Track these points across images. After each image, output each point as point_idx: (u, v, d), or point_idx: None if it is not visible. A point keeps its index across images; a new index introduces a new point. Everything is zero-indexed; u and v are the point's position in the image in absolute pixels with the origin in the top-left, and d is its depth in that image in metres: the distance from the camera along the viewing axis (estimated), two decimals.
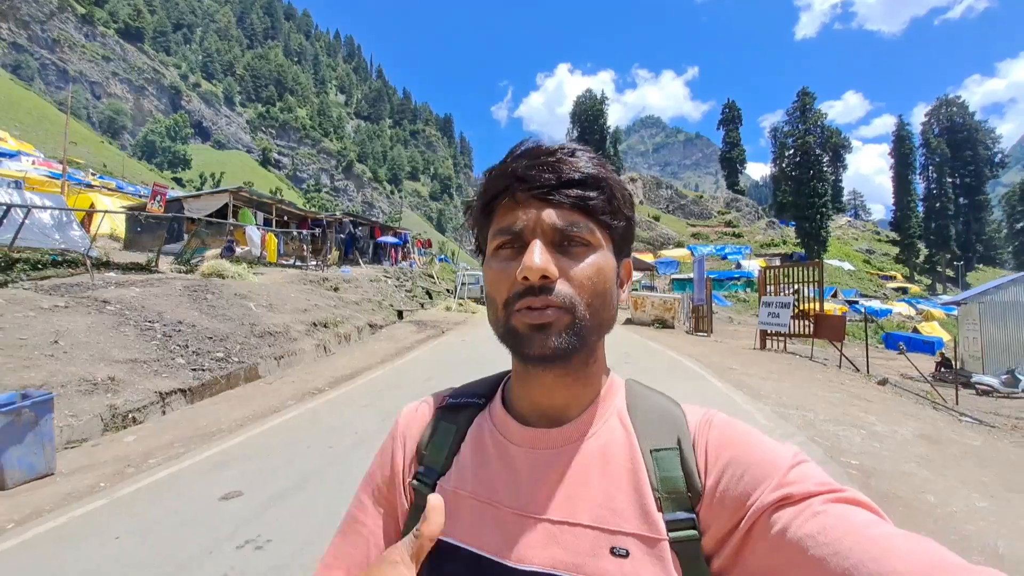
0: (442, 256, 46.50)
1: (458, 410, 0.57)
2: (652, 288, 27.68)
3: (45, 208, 10.82)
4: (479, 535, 0.48)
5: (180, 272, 12.16)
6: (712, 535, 0.43)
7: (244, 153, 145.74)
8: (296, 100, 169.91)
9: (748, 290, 34.01)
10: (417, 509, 0.52)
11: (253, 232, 15.25)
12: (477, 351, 9.50)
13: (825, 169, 51.41)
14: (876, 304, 35.84)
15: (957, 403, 8.37)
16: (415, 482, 0.54)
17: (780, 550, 0.38)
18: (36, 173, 27.54)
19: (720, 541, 0.43)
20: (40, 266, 9.90)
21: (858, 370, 9.26)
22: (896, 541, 0.35)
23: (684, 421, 0.49)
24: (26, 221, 9.77)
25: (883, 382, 8.44)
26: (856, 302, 33.88)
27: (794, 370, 8.08)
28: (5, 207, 9.31)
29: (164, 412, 5.71)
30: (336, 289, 15.30)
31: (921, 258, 58.12)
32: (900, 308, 36.70)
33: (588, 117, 74.24)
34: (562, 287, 0.46)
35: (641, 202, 60.88)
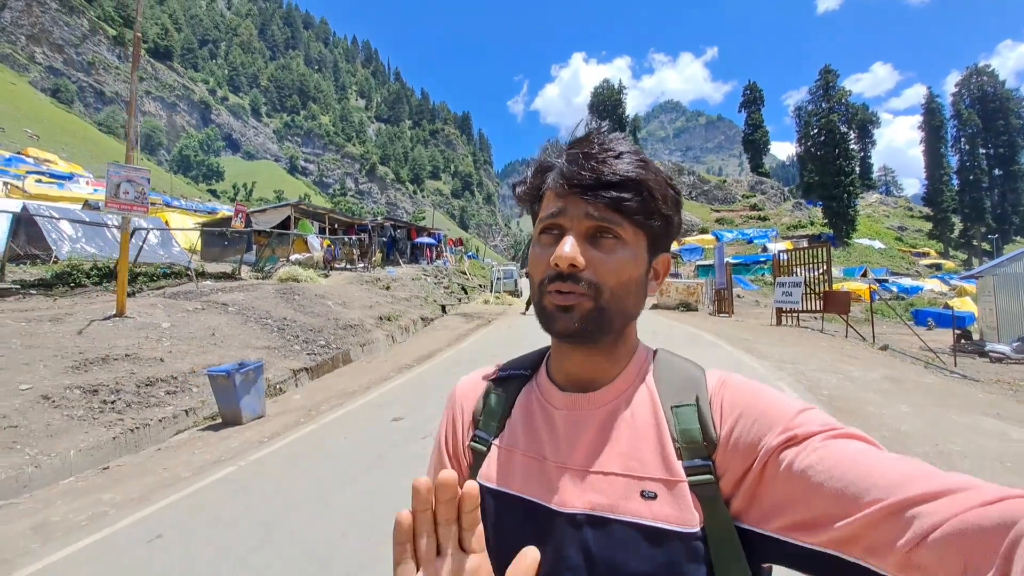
0: (470, 253, 48.12)
1: (508, 381, 0.66)
2: (676, 275, 28.68)
3: (153, 229, 12.87)
4: (529, 485, 0.56)
5: (258, 278, 14.06)
6: (728, 479, 0.49)
7: (272, 162, 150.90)
8: (319, 108, 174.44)
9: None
10: (475, 467, 0.62)
11: (314, 240, 17.15)
12: (524, 335, 11.06)
13: (851, 147, 50.64)
14: (907, 282, 35.65)
15: (956, 365, 9.45)
16: (473, 444, 0.63)
17: (787, 483, 0.44)
18: (96, 193, 30.27)
19: (736, 484, 0.48)
20: (155, 278, 11.88)
21: (864, 339, 10.40)
22: (881, 461, 0.40)
23: (704, 382, 0.56)
24: (144, 243, 11.78)
25: (884, 348, 9.59)
26: (886, 280, 33.91)
27: (802, 340, 9.33)
28: (133, 230, 11.29)
29: (297, 384, 7.44)
30: (388, 288, 17.05)
31: (956, 233, 56.83)
32: (932, 284, 36.38)
33: (606, 108, 74.53)
34: (588, 275, 0.52)
35: None
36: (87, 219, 11.90)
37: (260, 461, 4.01)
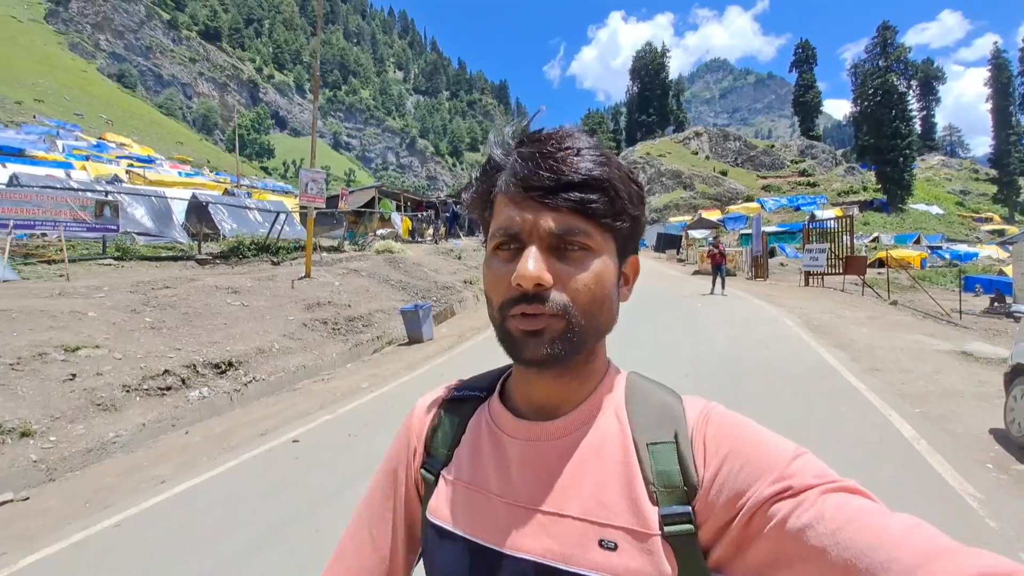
0: None
1: (462, 402, 0.60)
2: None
3: (288, 212, 16.03)
4: (473, 522, 0.51)
5: (356, 250, 17.04)
6: (709, 527, 0.44)
7: (318, 138, 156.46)
8: (359, 82, 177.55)
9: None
10: (425, 499, 0.56)
11: (396, 218, 20.03)
12: None
13: (910, 107, 48.63)
14: (963, 248, 35.40)
15: (960, 318, 11.21)
16: (423, 471, 0.58)
17: (780, 542, 0.39)
18: (182, 177, 34.15)
19: (717, 533, 0.44)
20: (290, 250, 15.00)
21: (879, 296, 12.25)
22: (892, 529, 0.36)
23: (683, 415, 0.50)
24: (283, 224, 14.89)
25: (893, 303, 11.46)
26: (939, 247, 33.89)
27: (819, 296, 11.31)
28: (275, 214, 14.39)
29: None
30: (459, 257, 19.79)
31: (1023, 197, 54.18)
32: (989, 251, 35.93)
33: (648, 72, 73.55)
34: (557, 294, 0.46)
35: (707, 157, 60.63)
36: (237, 205, 15.10)
37: (451, 359, 6.76)
